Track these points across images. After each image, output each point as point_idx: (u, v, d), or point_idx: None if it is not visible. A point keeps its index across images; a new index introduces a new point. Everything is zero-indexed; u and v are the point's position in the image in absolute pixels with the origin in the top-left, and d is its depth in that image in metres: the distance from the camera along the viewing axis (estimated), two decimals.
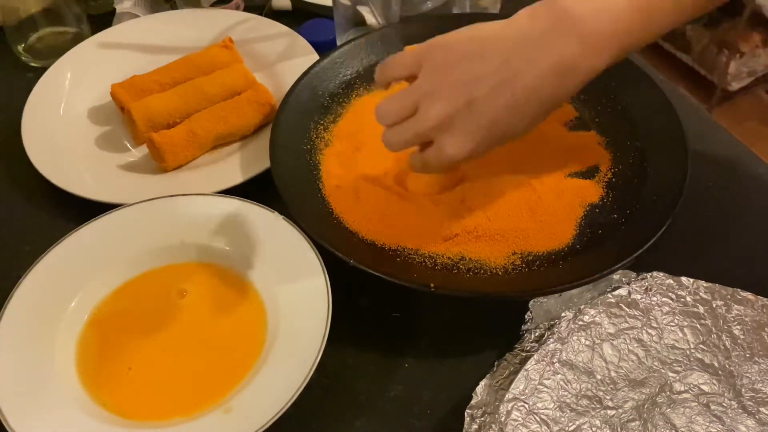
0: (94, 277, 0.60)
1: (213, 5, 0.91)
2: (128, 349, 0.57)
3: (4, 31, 0.84)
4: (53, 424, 0.51)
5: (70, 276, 0.59)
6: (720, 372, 0.52)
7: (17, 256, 0.65)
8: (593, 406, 0.50)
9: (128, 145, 0.75)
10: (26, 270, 0.59)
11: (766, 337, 0.54)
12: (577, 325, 0.53)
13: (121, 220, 0.63)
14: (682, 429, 0.49)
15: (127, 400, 0.54)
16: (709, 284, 0.56)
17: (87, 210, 0.65)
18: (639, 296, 0.55)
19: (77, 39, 0.85)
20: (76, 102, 0.78)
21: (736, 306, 0.55)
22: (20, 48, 0.85)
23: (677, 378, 0.52)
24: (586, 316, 0.54)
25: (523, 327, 0.56)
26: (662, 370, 0.52)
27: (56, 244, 0.60)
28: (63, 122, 0.76)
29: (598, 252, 0.60)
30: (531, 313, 0.56)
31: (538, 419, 0.49)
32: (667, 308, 0.55)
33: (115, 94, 0.75)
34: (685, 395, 0.51)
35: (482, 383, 0.52)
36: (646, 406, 0.51)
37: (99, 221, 0.62)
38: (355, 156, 0.67)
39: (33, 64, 0.85)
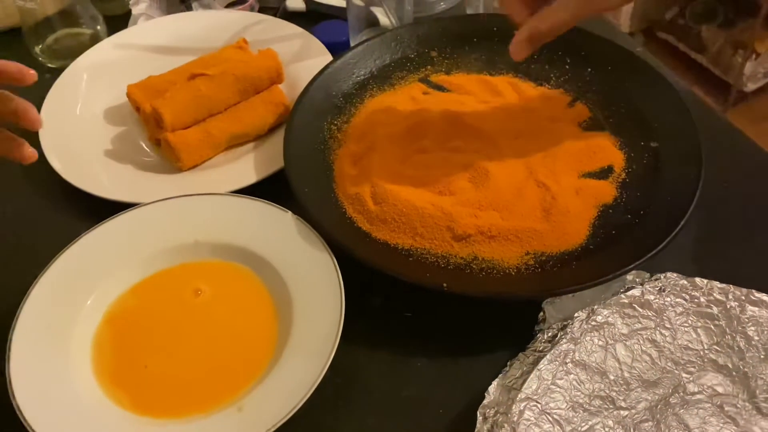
0: (109, 276, 0.60)
1: (227, 6, 0.91)
2: (144, 347, 0.57)
3: (22, 33, 0.85)
4: (69, 421, 0.52)
5: (86, 274, 0.60)
6: (734, 373, 0.52)
7: (34, 255, 0.65)
8: (606, 406, 0.50)
9: (144, 145, 0.75)
10: (43, 268, 0.59)
11: None
12: (590, 326, 0.53)
13: (137, 219, 0.63)
14: (695, 430, 0.49)
15: (143, 398, 0.54)
16: (723, 285, 0.55)
17: (103, 209, 0.65)
18: (652, 297, 0.55)
19: (93, 40, 0.86)
20: (93, 102, 0.79)
21: (750, 307, 0.54)
22: (37, 49, 0.85)
23: (691, 379, 0.52)
24: (600, 317, 0.54)
25: (536, 327, 0.56)
26: (676, 371, 0.52)
27: (73, 243, 0.61)
28: (79, 123, 0.77)
29: (611, 252, 0.60)
30: (544, 313, 0.56)
31: (550, 419, 0.49)
32: (680, 309, 0.55)
33: (130, 95, 0.76)
34: (698, 396, 0.51)
35: (495, 383, 0.52)
36: (659, 407, 0.50)
37: (115, 220, 0.63)
38: (368, 156, 0.68)
39: (50, 65, 0.86)
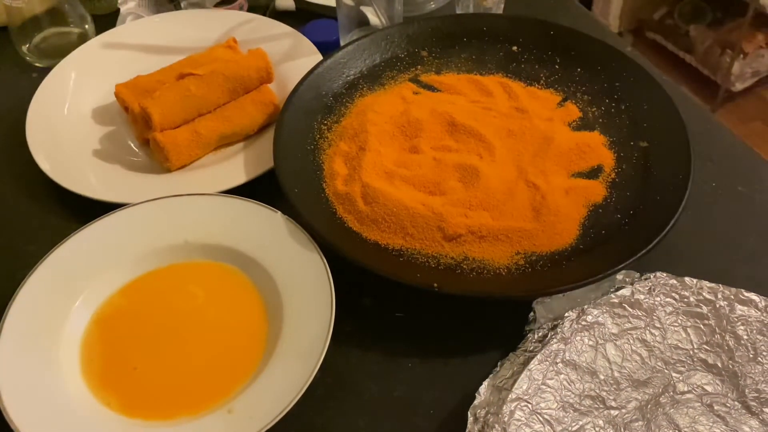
0: (98, 277, 0.60)
1: (217, 5, 0.91)
2: (133, 348, 0.57)
3: (9, 32, 0.84)
4: (57, 424, 0.51)
5: (75, 275, 0.59)
6: (723, 372, 0.52)
7: (21, 256, 0.65)
8: (596, 406, 0.50)
9: (132, 145, 0.75)
10: (30, 269, 0.59)
11: None
12: (580, 325, 0.53)
13: (125, 219, 0.63)
14: (685, 429, 0.49)
15: (132, 400, 0.54)
16: (713, 284, 0.56)
17: (91, 210, 0.65)
18: (642, 296, 0.55)
19: (81, 39, 0.85)
20: (81, 102, 0.79)
21: (739, 306, 0.55)
22: (25, 48, 0.85)
23: (681, 378, 0.52)
24: (590, 316, 0.54)
25: (527, 327, 0.56)
26: (666, 371, 0.52)
27: (60, 244, 0.61)
28: (67, 122, 0.76)
29: (601, 252, 0.60)
30: (534, 313, 0.56)
31: (541, 419, 0.49)
32: (670, 308, 0.55)
33: (119, 95, 0.76)
34: (688, 395, 0.51)
35: (485, 383, 0.52)
36: (649, 407, 0.51)
37: (103, 221, 0.63)
38: (358, 156, 0.68)
39: (37, 64, 0.85)
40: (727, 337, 0.54)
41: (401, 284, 0.57)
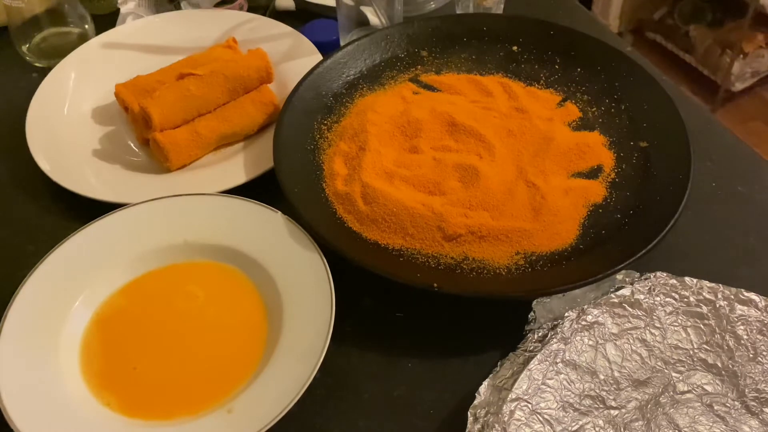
0: (97, 277, 0.60)
1: (216, 5, 0.91)
2: (133, 348, 0.57)
3: (9, 32, 0.84)
4: (57, 424, 0.51)
5: (74, 275, 0.59)
6: (723, 372, 0.52)
7: (21, 256, 0.65)
8: (596, 406, 0.50)
9: (132, 145, 0.75)
10: (30, 270, 0.59)
11: None
12: (580, 325, 0.53)
13: (125, 219, 0.63)
14: (685, 429, 0.49)
15: (132, 400, 0.54)
16: (713, 284, 0.56)
17: (91, 210, 0.65)
18: (642, 296, 0.55)
19: (81, 39, 0.85)
20: (80, 102, 0.78)
21: (739, 306, 0.55)
22: (24, 48, 0.85)
23: (680, 378, 0.52)
24: (590, 316, 0.54)
25: (527, 327, 0.56)
26: (665, 370, 0.52)
27: (60, 244, 0.61)
28: (67, 122, 0.76)
29: (601, 252, 0.60)
30: (534, 313, 0.56)
31: (541, 419, 0.49)
32: (670, 308, 0.55)
33: (119, 95, 0.76)
34: (688, 395, 0.51)
35: (485, 383, 0.52)
36: (649, 406, 0.51)
37: (102, 221, 0.63)
38: (358, 156, 0.68)
39: (37, 64, 0.85)
40: (727, 337, 0.54)
41: (401, 284, 0.57)
